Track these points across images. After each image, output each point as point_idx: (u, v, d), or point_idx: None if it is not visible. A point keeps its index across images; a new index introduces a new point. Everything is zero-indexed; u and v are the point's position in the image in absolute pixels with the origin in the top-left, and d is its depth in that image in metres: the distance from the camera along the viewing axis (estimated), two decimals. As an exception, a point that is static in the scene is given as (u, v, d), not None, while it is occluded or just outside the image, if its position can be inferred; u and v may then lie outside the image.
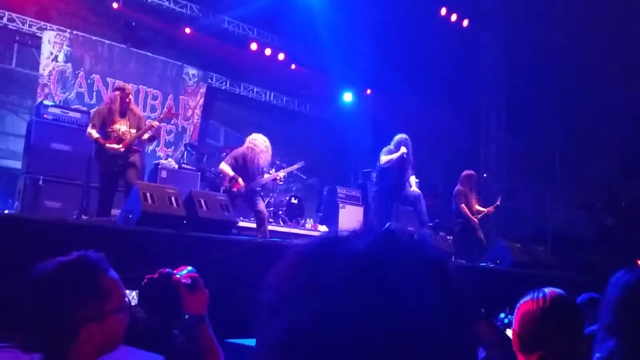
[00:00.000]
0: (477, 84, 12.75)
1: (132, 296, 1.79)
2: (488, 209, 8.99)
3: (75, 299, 1.60)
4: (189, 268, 1.90)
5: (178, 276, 1.82)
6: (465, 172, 9.03)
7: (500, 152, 12.43)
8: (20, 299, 1.63)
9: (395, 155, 7.97)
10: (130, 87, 7.26)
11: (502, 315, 2.70)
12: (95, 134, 6.53)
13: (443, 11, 12.18)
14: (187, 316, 1.82)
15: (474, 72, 12.67)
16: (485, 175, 9.59)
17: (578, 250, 9.98)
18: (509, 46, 12.25)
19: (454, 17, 12.31)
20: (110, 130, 6.59)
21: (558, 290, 2.08)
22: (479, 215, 8.86)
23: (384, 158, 8.08)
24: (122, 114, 6.69)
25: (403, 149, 7.96)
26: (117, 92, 6.80)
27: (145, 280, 1.80)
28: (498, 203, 9.02)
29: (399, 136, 8.22)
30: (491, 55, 12.68)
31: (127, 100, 6.75)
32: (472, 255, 8.36)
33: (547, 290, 2.08)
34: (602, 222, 11.07)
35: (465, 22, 12.48)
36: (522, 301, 2.10)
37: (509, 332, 2.28)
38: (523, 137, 11.90)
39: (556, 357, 1.96)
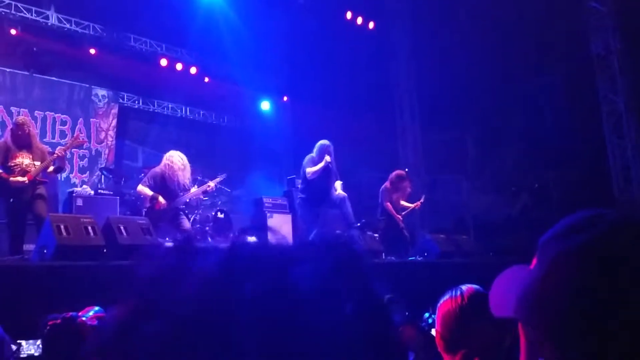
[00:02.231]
0: (389, 83, 13.03)
1: (37, 344, 1.69)
2: (414, 204, 9.16)
3: None
4: (96, 308, 1.82)
5: (84, 319, 1.73)
6: (395, 172, 9.13)
7: (417, 147, 12.75)
8: None
9: (319, 166, 8.02)
10: (27, 120, 6.96)
11: (427, 315, 2.73)
12: None
13: (348, 15, 12.35)
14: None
15: (385, 72, 12.94)
16: (406, 170, 9.76)
17: (498, 235, 10.36)
18: (417, 44, 12.59)
19: (359, 20, 12.51)
20: (12, 164, 6.35)
21: (475, 286, 2.10)
22: (404, 212, 9.02)
23: (309, 170, 8.10)
24: (24, 148, 6.48)
25: (327, 158, 8.01)
26: (14, 127, 6.60)
27: (48, 327, 1.70)
28: (422, 200, 9.22)
29: (321, 143, 8.25)
30: (400, 53, 12.98)
31: (26, 134, 6.51)
32: (399, 251, 8.50)
33: (464, 287, 2.09)
34: (518, 202, 11.54)
35: (371, 25, 12.71)
36: (441, 301, 2.11)
37: (434, 332, 2.31)
38: (437, 131, 12.26)
39: (480, 353, 1.98)
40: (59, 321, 1.70)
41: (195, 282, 0.56)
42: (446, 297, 2.12)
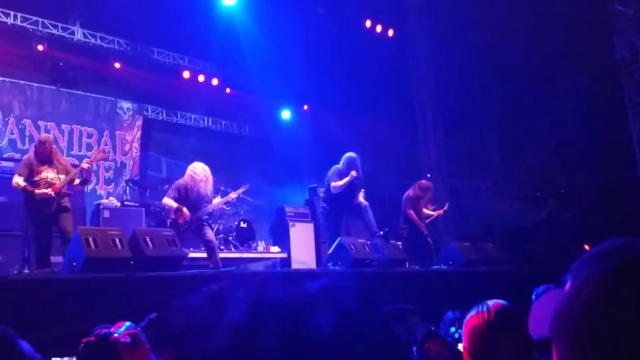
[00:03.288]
0: (410, 89, 13.00)
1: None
2: (437, 212, 9.12)
3: None
4: (127, 324, 1.85)
5: (116, 335, 1.76)
6: (419, 181, 9.11)
7: (440, 153, 12.67)
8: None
9: (345, 181, 8.01)
10: (51, 138, 7.09)
11: (453, 329, 2.73)
12: (21, 182, 6.43)
13: (368, 23, 12.37)
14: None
15: (405, 78, 12.92)
16: (428, 175, 9.74)
17: (525, 242, 10.24)
18: (436, 50, 12.54)
19: (379, 28, 12.52)
20: (37, 179, 6.50)
21: (501, 301, 2.11)
22: (428, 220, 8.98)
23: (335, 184, 8.08)
24: (47, 163, 6.61)
25: (354, 173, 8.00)
26: (36, 145, 6.74)
27: (82, 345, 1.74)
28: (446, 208, 9.17)
29: (349, 155, 8.23)
30: (420, 60, 12.95)
31: (49, 151, 6.65)
32: (423, 260, 8.47)
33: (491, 302, 2.10)
34: (544, 207, 11.41)
35: (391, 32, 12.72)
36: (467, 316, 2.12)
37: (461, 347, 2.31)
38: (460, 136, 12.19)
39: (507, 369, 1.98)
40: (92, 339, 1.73)
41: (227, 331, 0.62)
42: (473, 312, 2.13)
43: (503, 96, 11.73)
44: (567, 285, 0.86)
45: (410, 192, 9.01)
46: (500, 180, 12.37)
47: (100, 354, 1.71)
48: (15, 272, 6.37)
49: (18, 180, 6.43)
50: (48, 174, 6.54)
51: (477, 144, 12.47)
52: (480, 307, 2.10)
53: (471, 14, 11.33)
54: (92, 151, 10.91)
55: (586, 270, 0.81)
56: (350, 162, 8.14)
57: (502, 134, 12.34)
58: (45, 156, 6.61)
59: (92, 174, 7.25)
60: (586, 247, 9.71)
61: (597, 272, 0.79)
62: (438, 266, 8.12)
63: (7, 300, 4.38)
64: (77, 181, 6.75)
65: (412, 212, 8.84)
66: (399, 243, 8.77)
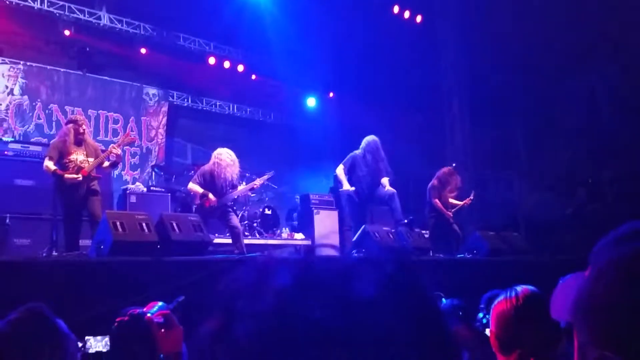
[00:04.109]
0: (437, 77, 12.86)
1: (105, 342, 1.75)
2: (464, 202, 9.05)
3: (39, 358, 1.56)
4: (160, 304, 1.86)
5: (149, 315, 1.78)
6: (443, 169, 9.03)
7: (467, 142, 12.53)
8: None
9: (345, 187, 8.07)
10: (83, 118, 7.17)
11: (480, 315, 2.72)
12: (52, 166, 6.46)
13: (395, 9, 12.25)
14: (162, 355, 1.78)
15: (433, 66, 12.77)
16: (454, 164, 9.64)
17: (551, 232, 10.12)
18: (465, 38, 12.39)
19: (406, 14, 12.39)
20: (67, 161, 6.53)
21: (530, 287, 2.10)
22: (454, 209, 8.91)
23: (339, 173, 8.10)
24: (78, 145, 6.64)
25: (348, 188, 8.06)
26: (70, 125, 6.75)
27: (116, 324, 1.76)
28: (472, 197, 9.09)
29: (368, 139, 8.21)
30: (448, 48, 12.80)
31: (81, 131, 6.70)
32: (449, 248, 8.42)
33: (519, 288, 2.09)
34: (570, 199, 11.26)
35: (419, 18, 12.58)
36: (496, 302, 2.11)
37: (488, 332, 2.30)
38: (487, 126, 12.05)
39: (534, 354, 1.97)
40: (126, 318, 1.75)
41: (273, 295, 0.64)
42: (501, 297, 2.13)
43: (530, 86, 11.56)
44: (587, 271, 0.86)
45: (434, 181, 8.94)
46: (526, 171, 12.22)
47: (134, 333, 1.73)
48: (44, 254, 6.47)
49: (48, 164, 6.47)
50: (77, 156, 6.57)
51: (503, 134, 12.32)
52: (508, 293, 2.10)
53: (500, 2, 11.16)
54: (118, 137, 11.04)
55: (604, 256, 0.82)
56: (369, 146, 8.10)
57: (529, 124, 12.16)
58: (76, 136, 6.62)
59: (121, 156, 7.28)
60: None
61: (615, 259, 0.80)
62: (462, 255, 8.07)
63: (36, 282, 4.46)
64: (106, 163, 6.79)
65: (437, 201, 8.78)
66: (425, 232, 8.73)
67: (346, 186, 8.12)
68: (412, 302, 0.66)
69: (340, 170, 8.21)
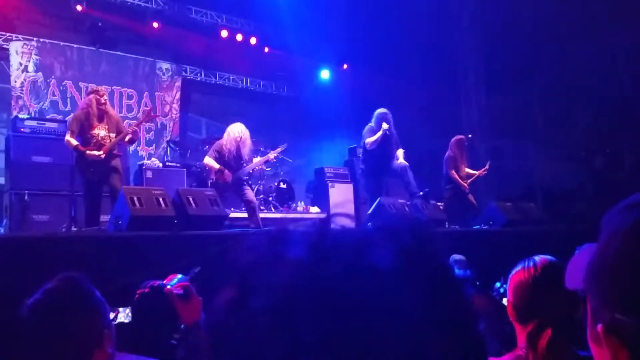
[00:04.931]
0: (451, 47, 12.70)
1: (127, 313, 1.79)
2: (479, 171, 9.00)
3: (77, 326, 1.58)
4: (179, 276, 1.88)
5: (169, 287, 1.80)
6: (454, 138, 9.02)
7: (482, 112, 12.42)
8: (20, 335, 1.60)
9: (378, 135, 7.97)
10: (103, 89, 7.15)
11: (498, 284, 2.72)
12: (74, 141, 6.41)
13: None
14: (182, 326, 1.81)
15: (447, 36, 12.60)
16: (470, 135, 9.56)
17: (568, 202, 10.05)
18: (479, 7, 12.18)
19: (421, -17, 12.17)
20: (89, 135, 6.48)
21: (548, 257, 2.08)
22: (470, 180, 8.88)
23: (368, 140, 8.06)
24: (100, 118, 6.57)
25: (385, 126, 7.94)
26: (92, 96, 6.65)
27: (137, 296, 1.78)
28: (487, 167, 9.05)
29: (379, 111, 8.18)
30: (463, 17, 12.61)
31: (103, 102, 6.62)
32: (465, 220, 8.40)
33: (538, 258, 2.07)
34: (587, 167, 11.15)
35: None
36: (513, 271, 2.10)
37: (506, 302, 2.30)
38: (503, 95, 11.90)
39: (552, 324, 1.97)
40: (147, 290, 1.77)
41: (288, 266, 0.64)
42: (519, 267, 2.11)
43: (548, 53, 11.37)
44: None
45: (449, 152, 8.91)
46: (542, 140, 12.09)
47: (155, 305, 1.76)
48: (63, 230, 6.55)
49: (70, 139, 6.40)
50: (100, 131, 6.52)
51: (519, 102, 12.17)
52: (526, 262, 2.08)
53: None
54: (133, 113, 11.08)
55: (615, 222, 0.82)
56: (380, 118, 8.07)
57: (546, 92, 11.99)
58: (99, 108, 6.56)
59: (138, 133, 7.28)
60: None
61: (624, 224, 0.79)
62: (478, 226, 8.05)
63: (56, 257, 4.52)
64: (126, 138, 6.76)
65: (453, 172, 8.74)
66: (440, 204, 8.71)
67: (377, 134, 7.97)
68: (428, 272, 0.66)
69: (368, 140, 8.08)
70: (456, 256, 5.18)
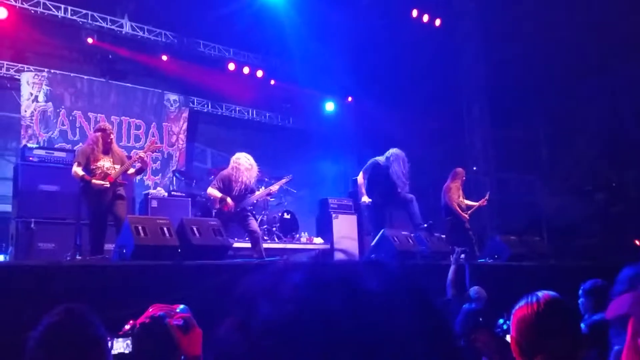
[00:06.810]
0: (457, 80, 12.82)
1: (127, 343, 1.79)
2: (479, 202, 9.00)
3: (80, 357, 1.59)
4: (181, 307, 1.88)
5: (170, 318, 1.80)
6: (455, 169, 9.06)
7: (487, 145, 12.46)
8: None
9: (363, 200, 8.11)
10: (110, 127, 7.26)
11: (501, 321, 2.70)
12: (80, 171, 6.54)
13: (414, 13, 12.23)
14: (182, 358, 1.80)
15: (452, 69, 12.73)
16: (475, 168, 9.59)
17: (573, 236, 10.00)
18: (484, 40, 12.33)
19: (425, 18, 12.37)
20: (94, 167, 6.61)
21: (551, 293, 2.08)
22: (470, 211, 8.87)
23: (360, 178, 8.14)
24: (105, 153, 6.73)
25: (365, 199, 8.09)
26: (99, 133, 6.83)
27: (138, 327, 1.78)
28: (487, 197, 9.05)
29: (395, 152, 8.15)
30: (468, 50, 12.75)
31: (109, 140, 6.79)
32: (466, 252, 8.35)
33: (541, 293, 2.07)
34: (593, 202, 11.12)
35: (438, 22, 12.55)
36: (516, 307, 2.09)
37: (509, 338, 2.29)
38: (507, 128, 11.96)
39: (555, 360, 1.96)
40: (147, 321, 1.77)
41: (290, 297, 0.69)
42: (522, 303, 2.11)
43: (552, 88, 11.45)
44: None
45: (448, 183, 8.93)
46: (548, 173, 12.10)
47: (155, 336, 1.76)
48: (68, 258, 6.56)
49: (77, 170, 6.54)
50: (104, 163, 6.66)
51: (524, 137, 12.22)
52: (529, 298, 2.08)
53: (521, 2, 11.08)
54: (140, 142, 11.17)
55: None
56: (396, 161, 8.07)
57: (551, 126, 12.05)
58: (104, 144, 6.72)
59: (147, 162, 7.37)
60: (637, 242, 9.43)
61: None
62: (483, 260, 8.01)
63: (61, 285, 4.53)
64: (131, 170, 6.87)
65: (454, 203, 8.74)
66: (444, 236, 8.69)
67: (364, 198, 8.13)
68: (415, 304, 0.70)
69: (360, 179, 8.19)
70: (475, 288, 5.23)
